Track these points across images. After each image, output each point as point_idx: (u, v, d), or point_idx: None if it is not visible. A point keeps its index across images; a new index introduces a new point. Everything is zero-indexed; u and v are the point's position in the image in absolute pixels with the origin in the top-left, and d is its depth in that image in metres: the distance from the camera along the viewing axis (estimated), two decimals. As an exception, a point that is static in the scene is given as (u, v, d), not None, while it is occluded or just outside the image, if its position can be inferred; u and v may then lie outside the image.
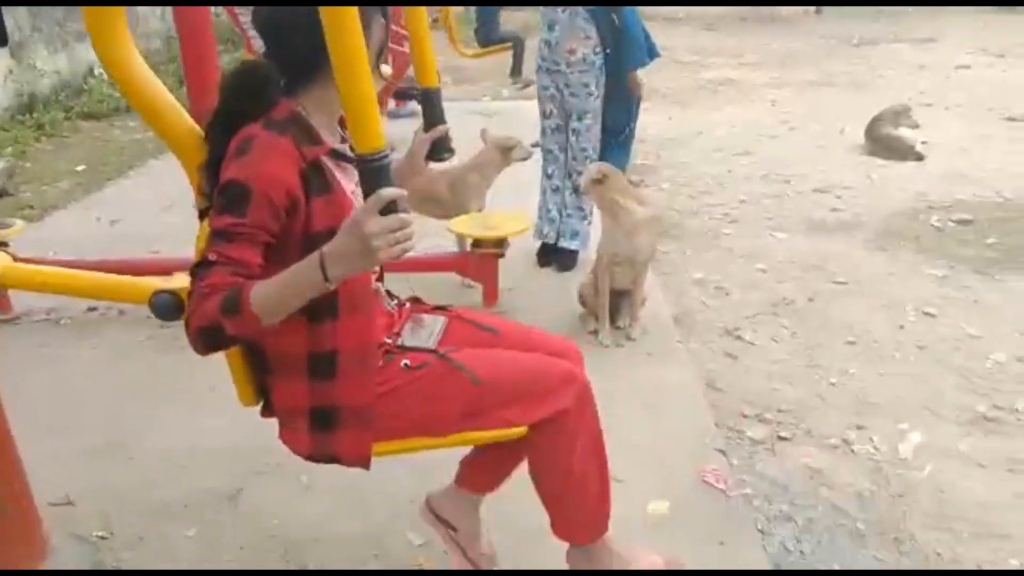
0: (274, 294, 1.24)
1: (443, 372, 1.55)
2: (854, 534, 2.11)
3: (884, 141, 5.72)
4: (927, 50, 10.15)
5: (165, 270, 2.33)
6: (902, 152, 5.60)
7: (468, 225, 3.22)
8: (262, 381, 1.57)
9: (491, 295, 3.32)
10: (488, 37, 8.14)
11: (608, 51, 3.49)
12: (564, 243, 3.77)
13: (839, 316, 3.35)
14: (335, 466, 1.55)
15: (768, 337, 3.21)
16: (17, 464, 1.89)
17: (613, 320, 3.15)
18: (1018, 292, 3.55)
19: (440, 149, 1.77)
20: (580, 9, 3.45)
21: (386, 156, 1.19)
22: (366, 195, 1.19)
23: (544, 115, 3.79)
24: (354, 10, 1.10)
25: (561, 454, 1.62)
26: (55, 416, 2.63)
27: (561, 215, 3.77)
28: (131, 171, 5.83)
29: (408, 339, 1.63)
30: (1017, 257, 3.93)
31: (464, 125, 3.60)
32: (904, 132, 5.70)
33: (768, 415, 2.65)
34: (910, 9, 13.26)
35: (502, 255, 3.25)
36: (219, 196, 1.32)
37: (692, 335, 3.23)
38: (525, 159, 3.58)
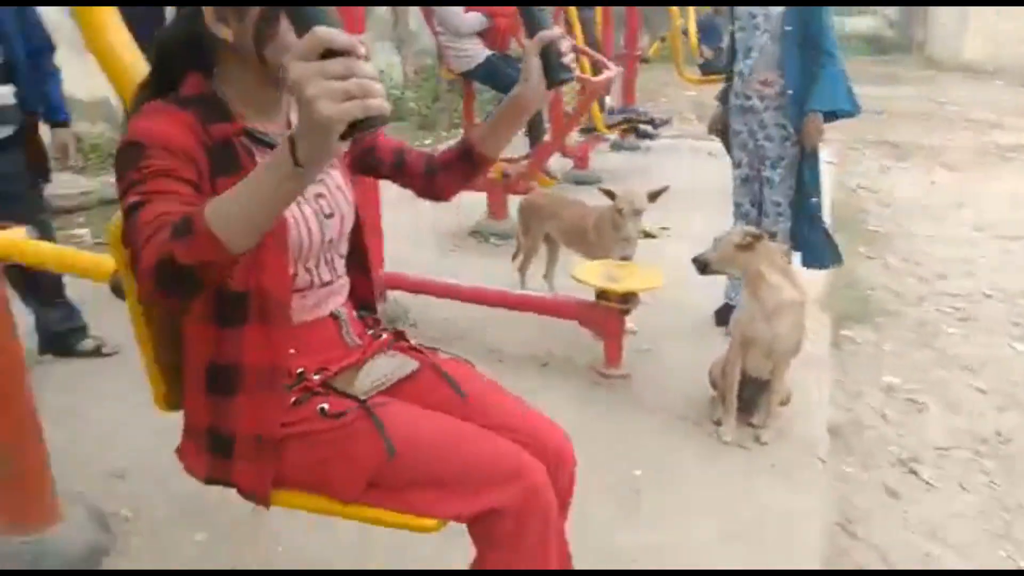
0: (234, 197, 0.92)
1: (360, 428, 1.26)
2: None
3: None
4: None
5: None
6: None
7: (594, 273, 2.83)
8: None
9: (612, 355, 2.90)
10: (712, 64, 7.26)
11: (791, 90, 2.93)
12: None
13: (1070, 476, 2.48)
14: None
15: (956, 481, 2.44)
16: (38, 434, 1.89)
17: (745, 413, 2.59)
18: None
19: (555, 68, 1.28)
20: (779, 30, 2.92)
21: None
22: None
23: (735, 164, 3.29)
24: None
25: (492, 565, 1.26)
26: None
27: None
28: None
29: (341, 380, 1.34)
30: None
31: (689, 165, 3.28)
32: None
33: (908, 592, 1.97)
34: None
35: (627, 311, 2.82)
36: (115, 163, 1.10)
37: (849, 455, 2.55)
38: (627, 242, 3.09)
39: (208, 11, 1.16)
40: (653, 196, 3.01)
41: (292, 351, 1.30)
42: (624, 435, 2.57)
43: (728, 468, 2.40)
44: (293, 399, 1.28)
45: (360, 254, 1.49)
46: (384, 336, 1.49)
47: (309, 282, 1.33)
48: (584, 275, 2.81)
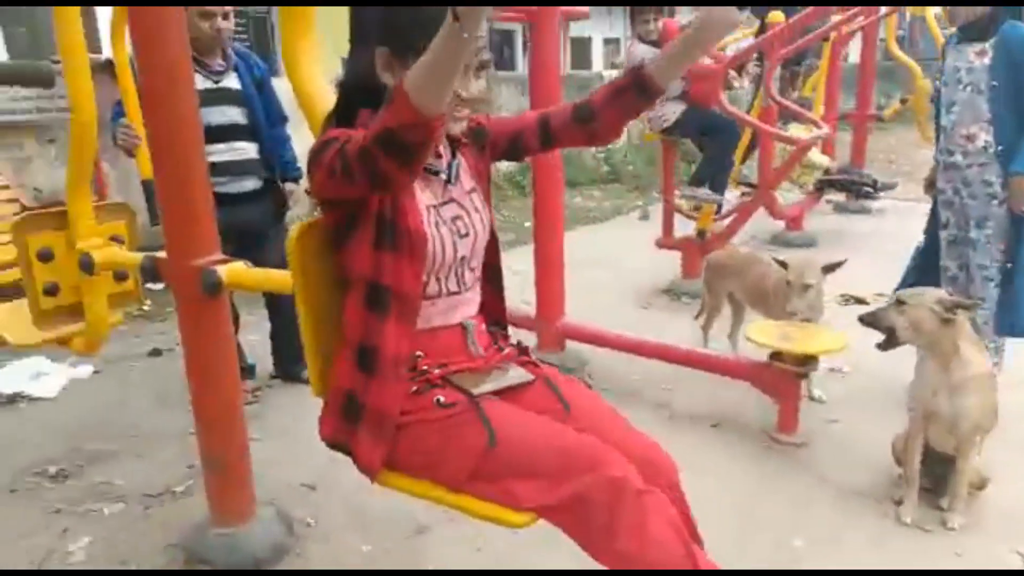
0: (418, 66, 1.12)
1: (467, 419, 1.39)
2: None
3: None
4: None
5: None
6: None
7: (770, 333, 2.73)
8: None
9: (787, 420, 2.76)
10: None
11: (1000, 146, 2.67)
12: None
13: None
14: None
15: None
16: (242, 435, 2.22)
17: (934, 495, 2.35)
18: None
19: None
20: (983, 84, 2.70)
21: None
22: None
23: (941, 224, 3.05)
24: None
25: (591, 549, 1.33)
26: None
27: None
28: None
29: (458, 378, 1.47)
30: None
31: (917, 229, 3.12)
32: None
33: None
34: None
35: (803, 375, 2.69)
36: (310, 156, 1.35)
37: (1060, 554, 2.21)
38: (810, 310, 2.93)
39: (378, 62, 1.38)
40: (828, 269, 2.87)
41: (420, 353, 1.46)
42: (791, 503, 2.44)
43: (903, 551, 2.19)
44: (415, 388, 1.43)
45: (493, 270, 1.62)
46: (508, 351, 1.60)
47: (438, 291, 1.49)
48: (758, 335, 2.73)
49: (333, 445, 1.51)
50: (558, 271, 3.44)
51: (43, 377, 3.51)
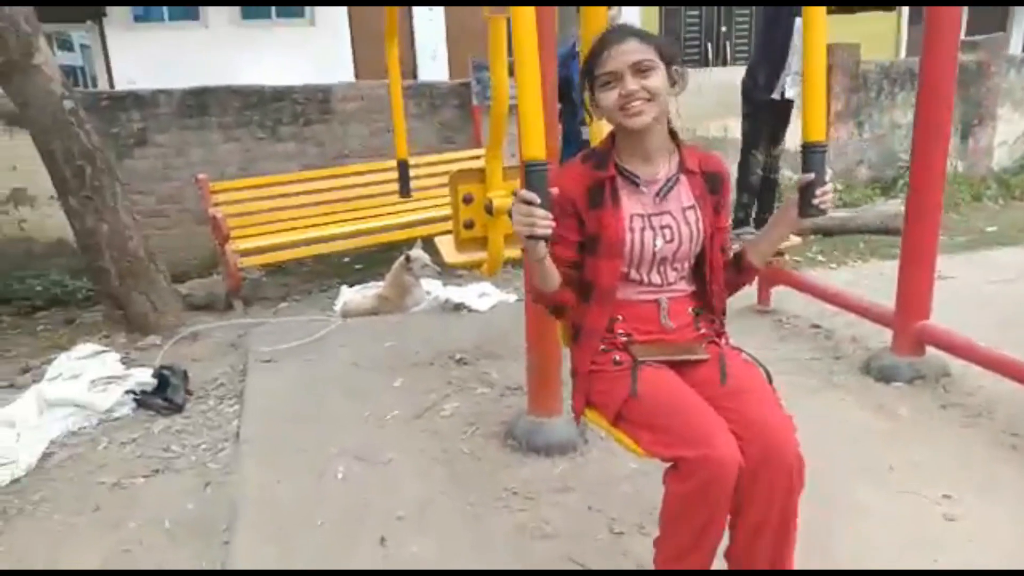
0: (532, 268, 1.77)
1: (624, 374, 1.78)
2: None
3: None
4: None
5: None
6: None
7: None
8: None
9: None
10: None
11: None
12: None
13: None
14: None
15: None
16: (560, 353, 2.83)
17: None
18: None
19: (808, 205, 1.73)
20: None
21: (539, 166, 1.58)
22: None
23: None
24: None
25: (665, 514, 1.67)
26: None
27: None
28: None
29: (638, 347, 1.83)
30: None
31: None
32: None
33: None
34: None
35: None
36: None
37: None
38: None
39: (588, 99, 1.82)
40: None
41: (620, 317, 1.87)
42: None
43: None
44: (602, 347, 1.85)
45: (701, 269, 1.90)
46: (704, 331, 1.89)
47: (639, 280, 1.86)
48: None
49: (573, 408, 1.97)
50: (926, 268, 3.24)
51: (484, 296, 4.66)
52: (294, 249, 5.10)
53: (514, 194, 1.57)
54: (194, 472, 2.90)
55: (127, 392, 3.45)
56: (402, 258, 4.56)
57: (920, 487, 2.46)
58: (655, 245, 1.81)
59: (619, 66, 1.69)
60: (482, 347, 3.86)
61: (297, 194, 5.36)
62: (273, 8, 11.15)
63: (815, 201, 1.70)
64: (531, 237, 1.56)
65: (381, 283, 4.74)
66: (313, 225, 5.30)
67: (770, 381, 1.81)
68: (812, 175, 1.70)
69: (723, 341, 1.90)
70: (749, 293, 4.19)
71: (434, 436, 3.00)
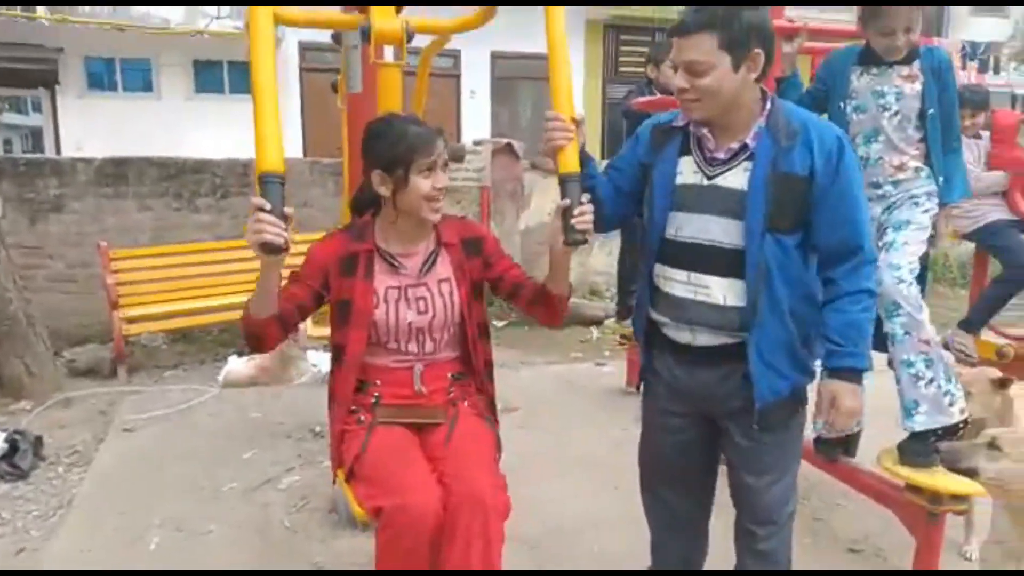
0: (256, 288, 1.81)
1: (360, 433, 1.91)
2: None
3: None
4: None
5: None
6: None
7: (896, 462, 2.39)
8: None
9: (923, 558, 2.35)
10: None
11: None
12: None
13: None
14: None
15: None
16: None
17: None
18: None
19: (569, 229, 1.81)
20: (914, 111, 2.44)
21: (273, 177, 1.71)
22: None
23: None
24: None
25: (376, 564, 1.79)
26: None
27: None
28: None
29: (383, 409, 1.95)
30: None
31: None
32: None
33: None
34: None
35: (935, 514, 2.28)
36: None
37: None
38: None
39: (374, 178, 1.90)
40: None
41: (378, 381, 1.96)
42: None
43: None
44: (352, 408, 1.95)
45: (463, 338, 2.02)
46: (454, 395, 2.01)
47: (396, 348, 1.96)
48: (892, 463, 2.41)
49: None
50: None
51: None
52: (187, 317, 5.15)
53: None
54: (14, 538, 2.87)
55: (-25, 455, 3.42)
56: None
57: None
58: (408, 317, 1.92)
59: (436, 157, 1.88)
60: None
61: (196, 264, 5.43)
62: (227, 84, 11.46)
63: (573, 222, 1.80)
64: (262, 245, 1.63)
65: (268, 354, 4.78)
66: (210, 295, 5.35)
67: (498, 444, 2.00)
68: (568, 201, 1.81)
69: (470, 403, 2.02)
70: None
71: (263, 509, 3.01)
